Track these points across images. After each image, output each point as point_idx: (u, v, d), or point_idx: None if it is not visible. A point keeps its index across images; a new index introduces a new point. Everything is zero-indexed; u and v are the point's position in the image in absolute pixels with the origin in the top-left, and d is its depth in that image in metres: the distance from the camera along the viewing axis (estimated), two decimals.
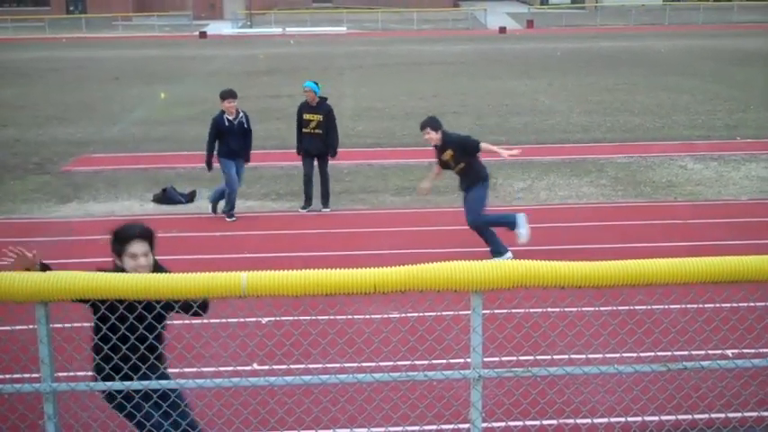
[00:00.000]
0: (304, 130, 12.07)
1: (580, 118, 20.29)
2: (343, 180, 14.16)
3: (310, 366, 5.26)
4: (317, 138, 12.00)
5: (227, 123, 11.59)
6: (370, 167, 15.12)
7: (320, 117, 11.96)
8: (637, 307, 5.57)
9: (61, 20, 64.82)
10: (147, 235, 4.54)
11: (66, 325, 6.19)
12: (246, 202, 12.82)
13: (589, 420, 5.28)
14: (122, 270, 4.44)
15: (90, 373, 5.75)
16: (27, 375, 5.13)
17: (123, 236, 4.48)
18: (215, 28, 60.28)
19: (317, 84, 12.25)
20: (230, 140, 11.61)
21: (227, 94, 11.82)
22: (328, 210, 12.16)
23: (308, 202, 12.21)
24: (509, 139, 17.76)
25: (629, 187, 13.28)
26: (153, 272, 4.47)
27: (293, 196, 13.14)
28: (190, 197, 12.93)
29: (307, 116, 12.04)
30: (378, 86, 27.17)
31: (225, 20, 67.52)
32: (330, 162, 12.34)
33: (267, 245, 10.29)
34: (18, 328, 5.39)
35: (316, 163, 12.17)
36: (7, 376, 5.38)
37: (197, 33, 55.98)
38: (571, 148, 16.51)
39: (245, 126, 11.77)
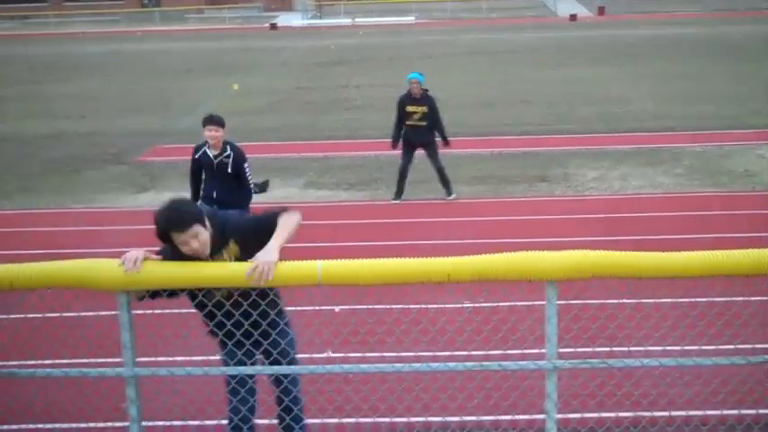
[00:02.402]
0: (407, 122, 11.86)
1: (654, 106, 19.92)
2: (415, 169, 14.15)
3: (385, 355, 5.29)
4: (421, 129, 11.84)
5: (207, 158, 8.54)
6: (441, 157, 15.06)
7: (425, 109, 11.81)
8: (716, 298, 5.47)
9: (136, 13, 66.07)
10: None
11: (147, 311, 6.35)
12: (318, 192, 12.93)
13: (666, 413, 5.21)
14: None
15: (170, 359, 5.90)
16: (110, 360, 5.28)
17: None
18: (285, 19, 60.74)
19: (422, 75, 12.13)
20: (211, 183, 8.57)
21: (208, 120, 8.48)
22: (452, 196, 12.07)
23: (398, 194, 12.08)
24: (581, 127, 17.57)
25: (705, 177, 13.02)
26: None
27: (364, 186, 13.21)
28: (262, 187, 13.06)
29: (410, 108, 11.85)
30: (447, 76, 27.07)
31: (295, 11, 67.98)
32: (400, 152, 12.34)
33: (339, 234, 10.36)
34: (102, 313, 5.56)
35: (419, 152, 12.08)
36: (91, 360, 5.53)
37: (267, 25, 56.49)
38: (644, 137, 16.23)
39: (228, 170, 8.51)
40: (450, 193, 12.08)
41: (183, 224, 4.28)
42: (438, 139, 12.10)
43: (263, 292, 4.49)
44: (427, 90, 11.97)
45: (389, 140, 12.38)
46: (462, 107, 20.70)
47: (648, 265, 4.42)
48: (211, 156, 8.43)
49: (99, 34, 54.08)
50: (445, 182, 12.09)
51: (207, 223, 4.37)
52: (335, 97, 23.11)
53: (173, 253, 4.49)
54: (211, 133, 8.37)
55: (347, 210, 11.98)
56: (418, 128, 11.82)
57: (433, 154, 12.00)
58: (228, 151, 8.49)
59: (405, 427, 5.37)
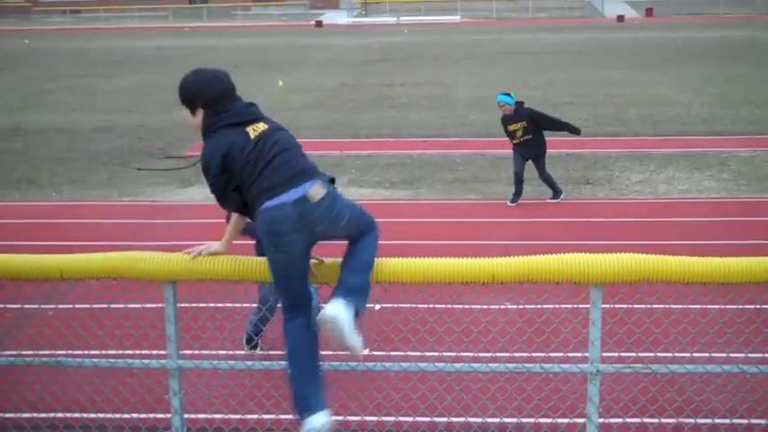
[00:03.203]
0: (513, 141, 11.56)
1: (701, 109, 19.66)
2: (455, 169, 14.15)
3: (426, 354, 5.30)
4: (528, 143, 11.44)
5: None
6: (482, 157, 15.04)
7: (524, 123, 11.39)
8: (764, 306, 5.40)
9: (184, 9, 66.78)
10: None
11: (192, 305, 6.42)
12: (360, 190, 12.96)
13: (710, 420, 5.14)
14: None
15: (213, 352, 5.95)
16: (155, 352, 5.34)
17: None
18: (331, 17, 60.99)
19: (508, 94, 11.61)
20: None
21: None
22: (558, 198, 11.74)
23: (517, 195, 11.65)
24: (626, 129, 17.40)
25: (752, 182, 12.81)
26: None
27: (406, 184, 13.21)
28: None
29: (511, 126, 11.51)
30: (492, 76, 26.98)
31: (340, 9, 68.22)
32: (442, 151, 12.30)
33: (381, 232, 10.36)
34: (148, 306, 5.63)
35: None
36: (137, 352, 5.61)
37: (313, 22, 56.77)
38: (691, 141, 16.02)
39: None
40: (556, 196, 11.76)
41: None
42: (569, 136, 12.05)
43: None
44: (521, 102, 11.56)
45: (433, 139, 12.38)
46: None
47: (695, 271, 4.38)
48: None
49: (147, 29, 54.73)
50: (553, 188, 11.80)
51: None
52: (380, 95, 23.14)
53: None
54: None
55: (389, 208, 11.99)
56: (525, 143, 11.45)
57: (540, 167, 11.63)
58: None
59: (444, 427, 5.37)
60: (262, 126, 4.42)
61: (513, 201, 11.69)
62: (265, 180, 4.29)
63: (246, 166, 4.31)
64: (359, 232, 4.49)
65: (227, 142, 4.35)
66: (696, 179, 13.07)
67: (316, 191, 4.26)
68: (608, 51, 34.06)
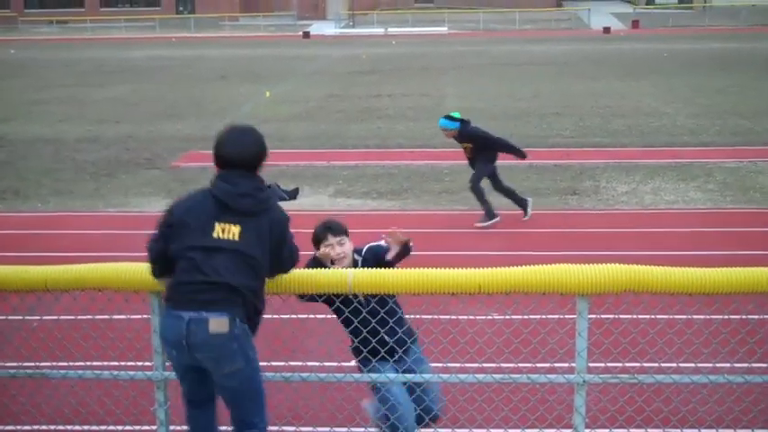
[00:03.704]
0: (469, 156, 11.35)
1: (687, 120, 19.77)
2: (443, 180, 14.16)
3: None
4: (477, 161, 11.19)
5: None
6: (470, 168, 15.03)
7: (470, 145, 11.17)
8: (749, 316, 5.42)
9: (171, 20, 66.73)
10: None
11: None
12: (348, 201, 12.97)
13: (696, 430, 5.16)
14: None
15: None
16: (140, 363, 5.32)
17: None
18: (318, 28, 61.07)
19: (450, 117, 11.15)
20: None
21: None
22: (528, 212, 11.24)
23: (488, 216, 11.14)
24: (613, 140, 17.47)
25: (738, 193, 12.88)
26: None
27: (394, 195, 13.22)
28: (293, 194, 13.15)
29: (462, 145, 11.34)
30: (479, 87, 27.07)
31: (328, 20, 68.32)
32: (429, 162, 12.32)
33: (367, 243, 10.36)
34: (134, 317, 5.60)
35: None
36: (122, 363, 5.58)
37: (301, 33, 56.83)
38: (677, 152, 16.10)
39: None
40: (524, 208, 11.28)
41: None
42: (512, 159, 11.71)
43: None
44: (467, 122, 11.08)
45: (420, 150, 12.38)
46: (494, 118, 20.65)
47: (681, 281, 4.40)
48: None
49: (135, 40, 54.68)
50: (517, 201, 11.37)
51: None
52: (367, 106, 23.17)
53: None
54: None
55: (376, 219, 11.98)
56: (475, 160, 11.25)
57: (495, 182, 11.37)
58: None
59: None
60: (234, 231, 4.13)
61: (482, 220, 11.14)
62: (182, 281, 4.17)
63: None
64: (242, 412, 4.30)
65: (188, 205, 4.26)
66: (682, 190, 13.13)
67: (218, 323, 4.08)
68: (594, 63, 34.24)
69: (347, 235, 4.97)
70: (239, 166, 4.23)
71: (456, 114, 11.16)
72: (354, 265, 4.89)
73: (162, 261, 4.25)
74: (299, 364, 5.67)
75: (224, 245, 4.10)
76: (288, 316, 5.23)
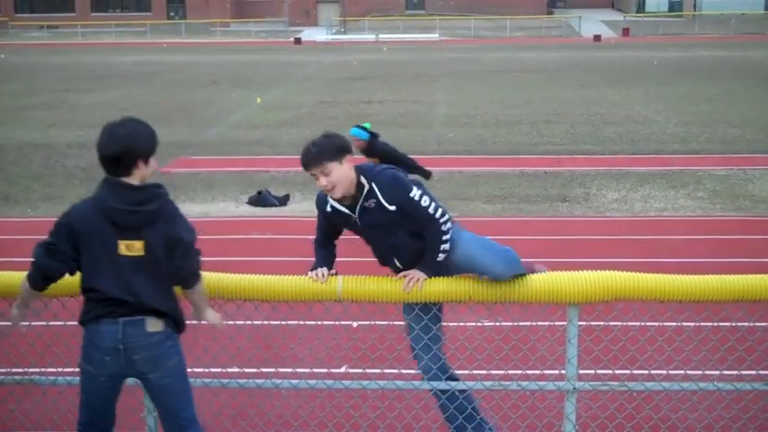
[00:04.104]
0: None
1: (677, 128, 19.84)
2: (433, 186, 14.12)
3: (404, 372, 5.28)
4: None
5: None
6: (461, 174, 15.09)
7: (377, 160, 9.86)
8: (739, 324, 5.43)
9: (162, 25, 66.70)
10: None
11: None
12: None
13: None
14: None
15: (189, 369, 5.89)
16: None
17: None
18: (309, 34, 61.12)
19: (363, 127, 9.98)
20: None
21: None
22: None
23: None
24: (603, 148, 17.52)
25: (727, 200, 12.93)
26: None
27: None
28: (283, 200, 13.14)
29: (369, 159, 9.95)
30: (470, 93, 27.12)
31: (319, 26, 68.41)
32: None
33: (356, 250, 10.35)
34: None
35: None
36: None
37: (292, 39, 56.87)
38: (667, 159, 16.16)
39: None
40: None
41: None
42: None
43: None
44: (376, 135, 9.98)
45: (412, 156, 12.30)
46: (484, 125, 20.72)
47: (671, 288, 4.41)
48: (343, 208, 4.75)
49: (125, 45, 54.60)
50: None
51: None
52: (358, 112, 23.17)
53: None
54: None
55: None
56: None
57: None
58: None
59: None
60: (137, 246, 4.00)
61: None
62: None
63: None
64: (183, 410, 4.26)
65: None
66: (672, 197, 13.17)
67: (153, 323, 4.07)
68: (585, 70, 34.35)
69: (333, 159, 4.49)
70: (114, 170, 4.02)
71: (368, 125, 10.16)
72: (359, 194, 4.53)
73: (58, 276, 4.17)
74: (289, 371, 5.65)
75: (130, 261, 4.02)
76: (278, 323, 5.22)
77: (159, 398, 4.26)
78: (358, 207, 4.53)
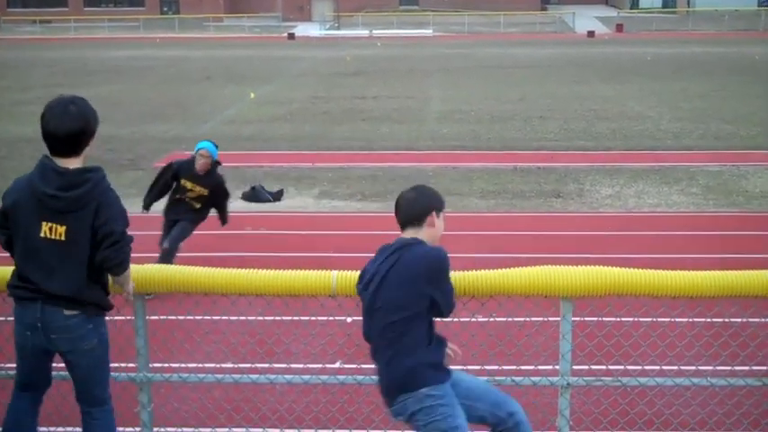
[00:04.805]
0: (177, 195, 8.75)
1: (670, 124, 19.87)
2: (428, 182, 14.14)
3: None
4: (191, 208, 8.73)
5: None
6: (455, 170, 15.09)
7: (204, 191, 8.74)
8: (732, 319, 5.45)
9: (155, 20, 66.51)
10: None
11: (161, 317, 6.37)
12: (332, 202, 12.95)
13: None
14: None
15: (183, 365, 5.90)
16: (123, 365, 5.28)
17: None
18: (303, 30, 61.02)
19: (215, 145, 8.89)
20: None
21: None
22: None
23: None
24: (597, 144, 17.55)
25: (720, 196, 12.95)
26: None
27: (378, 197, 13.21)
28: (277, 195, 13.13)
29: (187, 183, 8.68)
30: (464, 89, 27.11)
31: (313, 22, 68.31)
32: (414, 164, 12.31)
33: (351, 245, 10.36)
34: (117, 318, 5.55)
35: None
36: None
37: (286, 35, 56.76)
38: (661, 155, 16.19)
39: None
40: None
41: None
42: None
43: None
44: (218, 163, 8.86)
45: (405, 152, 12.30)
46: (478, 121, 20.73)
47: (665, 284, 4.42)
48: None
49: (119, 40, 54.43)
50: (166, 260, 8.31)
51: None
52: (352, 108, 23.16)
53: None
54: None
55: (360, 220, 11.99)
56: (186, 206, 8.72)
57: (183, 229, 8.68)
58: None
59: None
60: (60, 230, 3.97)
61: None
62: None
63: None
64: (94, 390, 4.33)
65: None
66: (665, 193, 13.19)
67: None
68: (579, 66, 34.37)
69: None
70: (57, 148, 4.01)
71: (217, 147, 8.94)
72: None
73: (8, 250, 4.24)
74: (284, 366, 5.65)
75: (49, 245, 4.00)
76: (272, 318, 5.21)
77: (75, 375, 4.31)
78: None
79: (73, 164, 4.01)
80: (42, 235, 3.97)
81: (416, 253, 4.01)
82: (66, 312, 4.08)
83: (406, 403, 4.02)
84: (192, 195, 8.66)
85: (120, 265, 4.09)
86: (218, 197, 8.91)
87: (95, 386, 4.33)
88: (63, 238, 3.95)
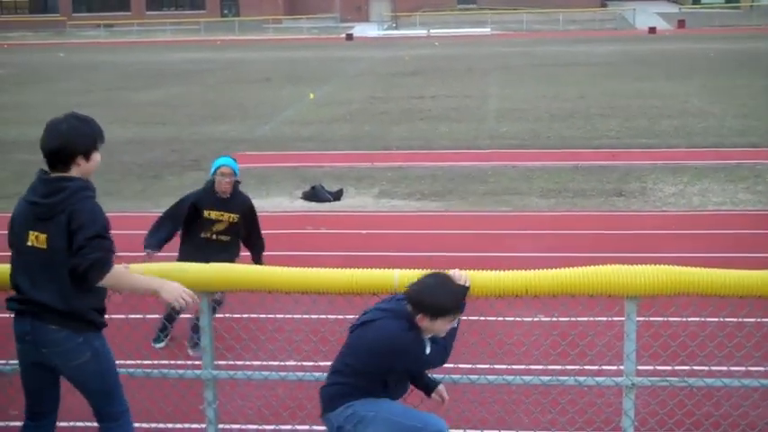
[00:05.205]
0: (201, 233, 7.08)
1: (735, 121, 19.48)
2: (487, 181, 14.12)
3: (459, 366, 5.28)
4: (220, 246, 7.01)
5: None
6: (514, 169, 15.01)
7: (233, 217, 7.10)
8: None
9: (216, 23, 67.34)
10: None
11: (226, 315, 6.46)
12: (391, 201, 12.98)
13: None
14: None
15: (247, 363, 5.98)
16: (189, 362, 5.38)
17: None
18: (361, 30, 61.19)
19: (235, 160, 7.31)
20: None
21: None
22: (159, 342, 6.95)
23: (159, 339, 6.87)
24: (659, 141, 17.29)
25: None
26: None
27: (437, 196, 13.21)
28: (337, 195, 13.21)
29: (211, 213, 7.10)
30: (523, 88, 26.93)
31: (371, 22, 68.46)
32: (473, 163, 12.28)
33: (411, 244, 10.37)
34: (183, 316, 5.67)
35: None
36: (172, 362, 5.65)
37: (344, 35, 56.98)
38: (725, 153, 15.88)
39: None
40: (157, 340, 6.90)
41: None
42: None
43: None
44: (239, 181, 7.23)
45: (464, 151, 12.28)
46: (537, 119, 20.57)
47: (732, 283, 4.34)
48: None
49: (180, 43, 55.24)
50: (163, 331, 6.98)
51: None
52: (410, 107, 23.17)
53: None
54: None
55: (420, 220, 12.00)
56: (216, 245, 7.01)
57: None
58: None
59: None
60: (41, 238, 4.03)
61: (156, 342, 6.88)
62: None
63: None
64: (101, 406, 4.29)
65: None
66: (731, 191, 12.94)
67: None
68: (640, 63, 33.86)
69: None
70: (54, 165, 4.10)
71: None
72: None
73: None
74: (277, 364, 5.67)
75: (35, 253, 4.07)
76: (335, 316, 5.25)
77: (79, 389, 4.27)
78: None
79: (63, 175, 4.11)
80: (30, 243, 4.06)
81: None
82: (53, 327, 4.07)
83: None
84: (221, 227, 7.05)
85: (91, 272, 3.97)
86: (250, 222, 7.19)
87: (100, 401, 4.27)
88: (45, 246, 4.03)
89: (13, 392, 4.28)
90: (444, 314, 4.06)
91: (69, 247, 3.97)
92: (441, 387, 4.48)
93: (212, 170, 7.18)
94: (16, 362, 4.30)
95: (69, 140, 4.07)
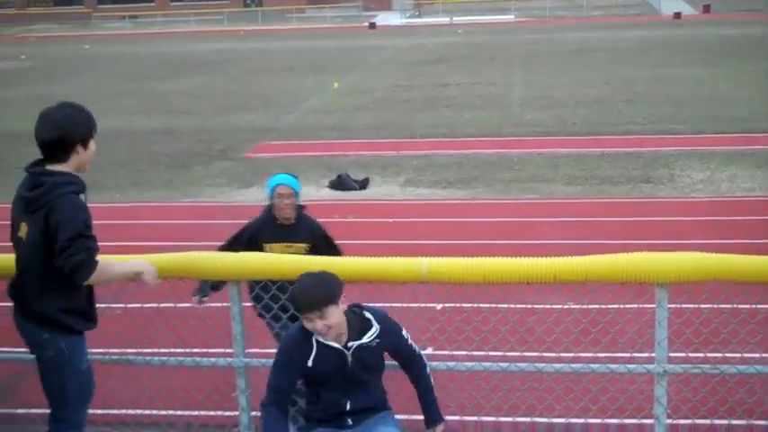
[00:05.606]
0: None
1: (763, 106, 19.26)
2: (513, 169, 14.08)
3: (490, 354, 5.28)
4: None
5: None
6: (540, 156, 14.95)
7: (304, 246, 5.77)
8: None
9: (239, 13, 67.42)
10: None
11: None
12: (417, 190, 12.98)
13: None
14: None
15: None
16: (221, 350, 5.41)
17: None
18: (384, 19, 61.04)
19: (296, 178, 5.89)
20: None
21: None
22: None
23: None
24: (686, 127, 17.14)
25: None
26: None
27: (463, 184, 13.19)
28: (363, 184, 13.23)
29: (274, 245, 5.76)
30: (547, 74, 26.77)
31: (393, 10, 68.26)
32: (499, 151, 12.27)
33: (437, 232, 10.38)
34: (214, 305, 5.70)
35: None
36: (204, 350, 5.70)
37: (367, 24, 56.85)
38: (754, 138, 15.72)
39: None
40: None
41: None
42: None
43: None
44: (303, 206, 5.96)
45: (489, 139, 12.26)
46: (563, 106, 20.46)
47: (764, 270, 4.31)
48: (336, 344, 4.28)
49: (204, 33, 55.39)
50: None
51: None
52: (434, 95, 23.12)
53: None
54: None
55: (446, 207, 11.99)
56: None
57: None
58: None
59: (510, 428, 5.35)
60: (25, 230, 4.03)
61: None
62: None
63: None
64: (54, 408, 4.23)
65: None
66: (760, 177, 12.82)
67: None
68: (665, 49, 33.56)
69: (330, 303, 4.01)
70: (51, 156, 4.03)
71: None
72: (363, 327, 4.22)
73: None
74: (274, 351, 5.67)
75: (18, 245, 4.11)
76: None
77: (41, 384, 4.22)
78: (354, 344, 4.15)
79: (58, 169, 4.07)
80: (19, 234, 4.09)
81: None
82: (22, 317, 4.11)
83: None
84: None
85: (76, 272, 3.93)
86: (325, 250, 5.60)
87: (53, 402, 4.19)
88: (24, 237, 4.03)
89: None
90: (297, 311, 4.09)
91: (45, 243, 3.94)
92: (439, 428, 4.36)
93: (268, 191, 5.79)
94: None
95: (67, 129, 4.00)
